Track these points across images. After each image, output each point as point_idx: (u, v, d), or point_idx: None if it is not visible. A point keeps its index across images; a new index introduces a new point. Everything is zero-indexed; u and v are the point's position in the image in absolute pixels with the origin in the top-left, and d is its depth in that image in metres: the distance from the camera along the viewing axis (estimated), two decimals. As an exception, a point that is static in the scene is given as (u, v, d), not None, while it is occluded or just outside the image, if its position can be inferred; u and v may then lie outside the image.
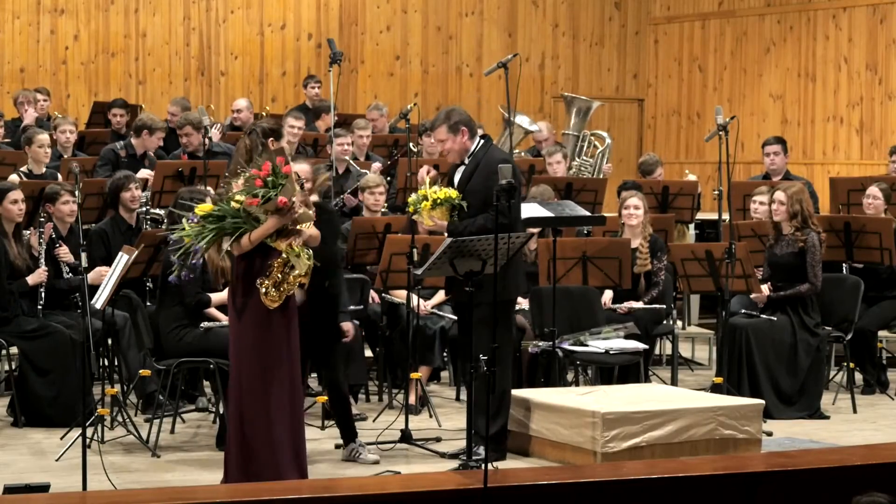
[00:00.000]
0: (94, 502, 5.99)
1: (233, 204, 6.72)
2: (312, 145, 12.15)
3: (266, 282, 6.77)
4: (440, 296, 9.63)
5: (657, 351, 10.79)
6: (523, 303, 9.46)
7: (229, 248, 6.81)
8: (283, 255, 6.77)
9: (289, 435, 6.87)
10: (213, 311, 8.19)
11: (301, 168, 7.26)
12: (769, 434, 8.48)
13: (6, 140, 12.00)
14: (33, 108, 12.75)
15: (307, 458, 7.06)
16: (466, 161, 7.80)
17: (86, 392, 8.06)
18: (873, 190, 10.36)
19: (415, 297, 8.80)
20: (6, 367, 9.21)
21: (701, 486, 6.15)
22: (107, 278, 8.14)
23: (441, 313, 9.57)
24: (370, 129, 12.15)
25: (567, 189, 10.76)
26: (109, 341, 9.07)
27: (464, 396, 8.64)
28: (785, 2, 16.38)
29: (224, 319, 8.13)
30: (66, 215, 8.92)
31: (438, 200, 7.59)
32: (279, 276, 6.78)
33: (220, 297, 8.00)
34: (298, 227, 6.84)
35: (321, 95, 13.73)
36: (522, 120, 13.08)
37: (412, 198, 7.74)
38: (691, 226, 12.09)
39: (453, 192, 7.64)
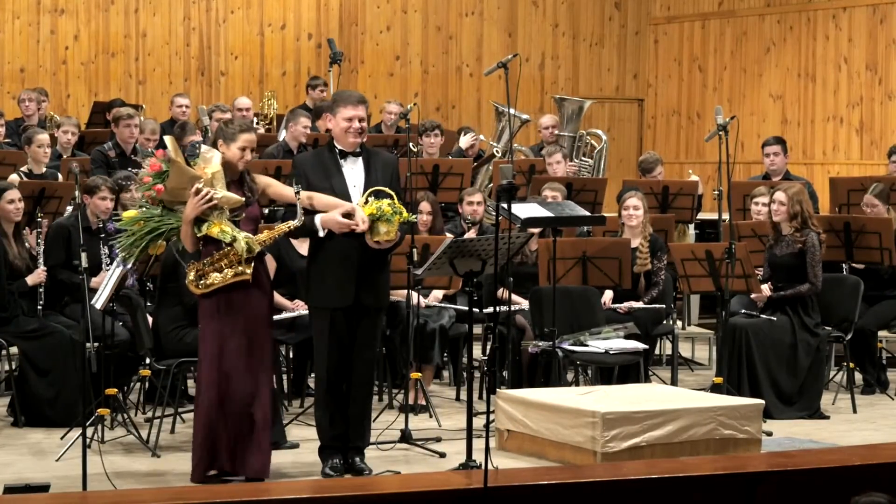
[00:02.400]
0: (94, 502, 5.99)
1: (144, 203, 6.94)
2: (313, 145, 12.15)
3: (191, 266, 6.90)
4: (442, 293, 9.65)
5: (657, 351, 10.80)
6: (523, 303, 9.47)
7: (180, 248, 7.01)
8: (226, 248, 6.83)
9: (239, 426, 6.96)
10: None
11: (247, 138, 7.12)
12: (769, 434, 8.48)
13: (6, 140, 11.99)
14: (37, 106, 12.75)
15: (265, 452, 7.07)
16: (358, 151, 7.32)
17: (86, 392, 8.05)
18: (869, 199, 10.32)
19: (415, 297, 8.79)
20: (6, 367, 9.21)
21: (701, 486, 6.15)
22: (106, 279, 8.13)
23: (442, 305, 9.55)
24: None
25: (567, 189, 10.75)
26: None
27: (464, 396, 8.64)
28: (785, 2, 16.38)
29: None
30: (101, 211, 8.84)
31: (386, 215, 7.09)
32: (209, 264, 6.84)
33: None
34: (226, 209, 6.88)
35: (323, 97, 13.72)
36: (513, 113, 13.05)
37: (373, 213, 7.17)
38: (691, 226, 12.09)
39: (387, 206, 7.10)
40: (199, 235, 6.87)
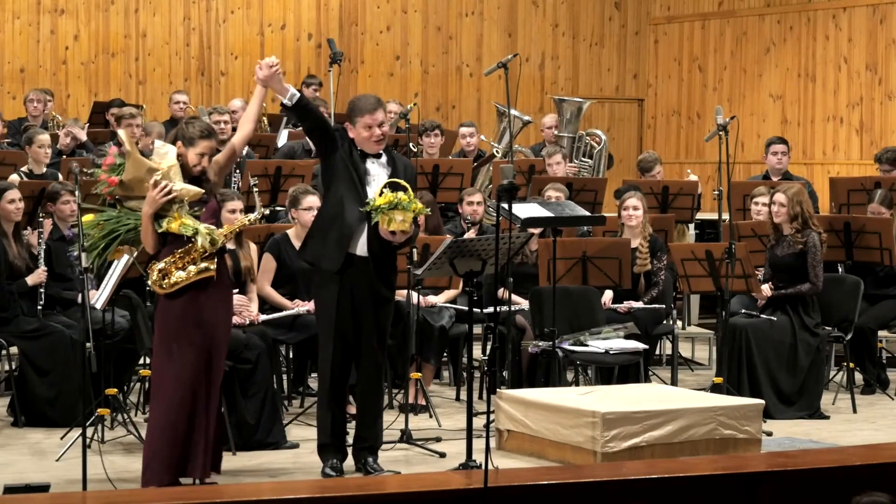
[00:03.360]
0: (94, 502, 5.99)
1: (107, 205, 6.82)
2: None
3: (156, 265, 6.77)
4: (448, 293, 9.64)
5: (657, 351, 10.79)
6: (523, 303, 9.47)
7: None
8: (188, 244, 6.72)
9: (188, 438, 6.84)
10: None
11: (207, 144, 6.98)
12: (769, 434, 8.48)
13: (7, 140, 11.99)
14: (43, 106, 12.75)
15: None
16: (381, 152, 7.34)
17: (86, 392, 8.05)
18: (875, 207, 10.31)
19: (415, 296, 8.79)
20: (6, 367, 9.21)
21: (701, 486, 6.15)
22: (107, 278, 8.14)
23: (444, 304, 9.54)
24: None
25: (567, 189, 10.75)
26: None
27: (464, 396, 8.64)
28: (785, 2, 16.38)
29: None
30: (66, 215, 8.91)
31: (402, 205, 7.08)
32: (173, 262, 6.73)
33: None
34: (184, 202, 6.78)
35: (321, 96, 13.71)
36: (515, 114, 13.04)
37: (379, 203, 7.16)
38: (691, 226, 12.10)
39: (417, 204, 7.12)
40: (159, 231, 6.73)
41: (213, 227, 6.82)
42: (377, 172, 7.24)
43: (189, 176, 6.86)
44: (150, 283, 6.83)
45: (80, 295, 8.49)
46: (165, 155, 6.83)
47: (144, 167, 6.75)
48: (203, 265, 6.76)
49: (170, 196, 6.69)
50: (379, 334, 7.30)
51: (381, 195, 7.04)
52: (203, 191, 6.86)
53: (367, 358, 7.29)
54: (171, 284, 6.75)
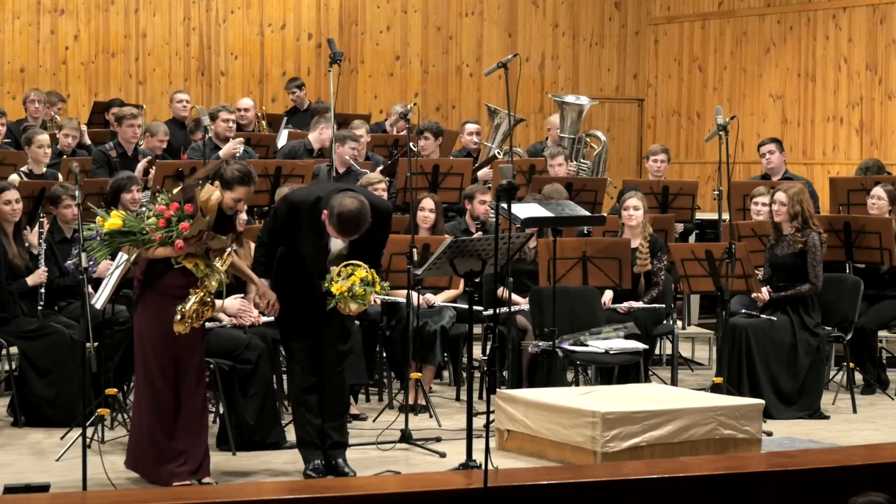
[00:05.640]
0: (94, 502, 5.99)
1: (146, 223, 6.89)
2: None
3: (183, 308, 6.87)
4: (447, 293, 9.64)
5: (657, 351, 10.79)
6: (523, 303, 9.47)
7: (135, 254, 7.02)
8: (201, 292, 6.89)
9: (173, 433, 6.98)
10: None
11: (244, 191, 7.09)
12: (769, 434, 8.48)
13: (7, 140, 11.99)
14: (44, 108, 12.75)
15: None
16: None
17: (86, 392, 8.05)
18: (878, 190, 10.34)
19: (415, 297, 8.79)
20: (6, 367, 9.21)
21: (701, 486, 6.16)
22: (107, 278, 8.14)
23: (443, 304, 9.54)
24: (366, 129, 12.13)
25: (567, 189, 10.76)
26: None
27: (464, 396, 8.64)
28: (785, 2, 16.38)
29: (225, 320, 8.16)
30: (68, 219, 8.90)
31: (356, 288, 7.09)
32: (192, 308, 6.87)
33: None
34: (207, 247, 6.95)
35: (324, 98, 13.71)
36: (502, 114, 13.04)
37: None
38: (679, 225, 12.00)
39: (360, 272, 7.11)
40: (175, 266, 6.90)
41: (220, 270, 6.96)
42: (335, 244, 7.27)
43: (220, 216, 6.99)
44: (176, 321, 6.87)
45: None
46: (209, 201, 6.88)
47: (199, 226, 6.84)
48: (210, 301, 6.95)
49: (201, 244, 6.88)
50: (339, 334, 7.37)
51: (338, 275, 7.06)
52: (229, 243, 7.01)
53: (329, 356, 7.34)
54: (187, 327, 6.90)
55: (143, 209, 7.24)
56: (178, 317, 6.86)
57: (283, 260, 7.34)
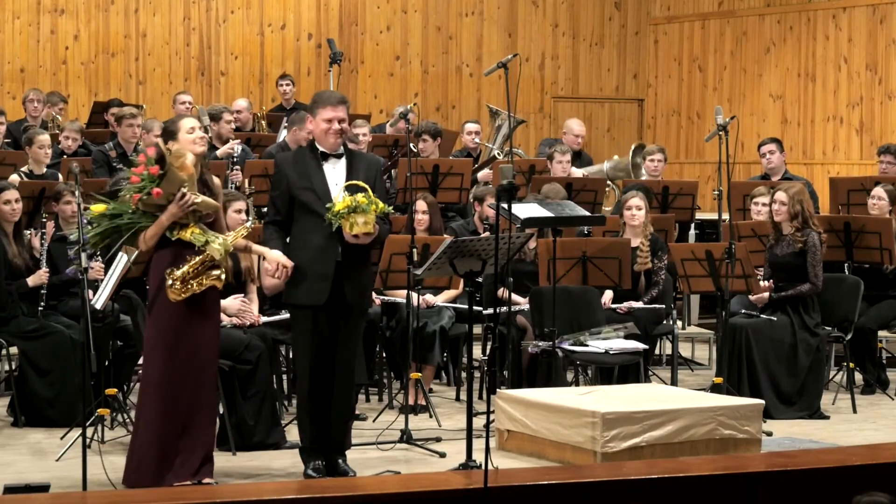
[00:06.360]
0: (94, 502, 5.99)
1: (127, 199, 6.76)
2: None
3: (175, 272, 6.75)
4: (447, 293, 9.64)
5: (657, 351, 10.80)
6: (523, 303, 9.47)
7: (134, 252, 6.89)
8: (205, 252, 6.72)
9: (178, 437, 6.85)
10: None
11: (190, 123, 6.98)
12: (769, 434, 8.48)
13: (7, 140, 11.99)
14: (44, 108, 12.75)
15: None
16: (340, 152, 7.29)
17: (86, 392, 8.05)
18: (879, 191, 10.34)
19: (415, 297, 8.79)
20: (6, 367, 9.21)
21: (701, 486, 6.16)
22: (107, 278, 8.14)
23: (443, 304, 9.54)
24: (368, 128, 12.13)
25: (567, 189, 10.76)
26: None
27: (464, 396, 8.64)
28: (785, 2, 16.38)
29: (225, 320, 8.15)
30: (69, 216, 8.90)
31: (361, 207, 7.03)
32: (191, 271, 6.74)
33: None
34: (201, 213, 6.78)
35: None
36: (504, 115, 12.99)
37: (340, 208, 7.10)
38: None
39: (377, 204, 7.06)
40: (172, 239, 6.77)
41: (221, 235, 6.85)
42: (337, 177, 7.19)
43: (197, 175, 6.89)
44: (168, 288, 6.77)
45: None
46: (183, 162, 6.80)
47: (178, 182, 6.72)
48: (216, 273, 6.79)
49: (191, 208, 6.74)
50: (350, 340, 7.26)
51: (340, 199, 7.03)
52: (219, 204, 6.91)
53: (340, 363, 7.25)
54: (187, 290, 6.77)
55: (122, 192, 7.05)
56: (169, 282, 6.71)
57: (294, 247, 7.22)
